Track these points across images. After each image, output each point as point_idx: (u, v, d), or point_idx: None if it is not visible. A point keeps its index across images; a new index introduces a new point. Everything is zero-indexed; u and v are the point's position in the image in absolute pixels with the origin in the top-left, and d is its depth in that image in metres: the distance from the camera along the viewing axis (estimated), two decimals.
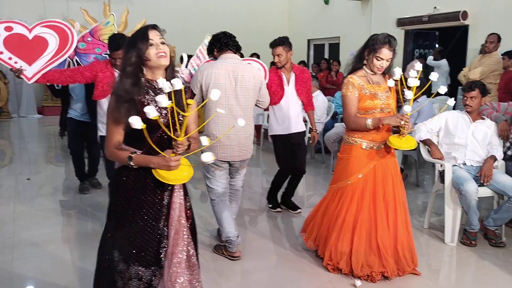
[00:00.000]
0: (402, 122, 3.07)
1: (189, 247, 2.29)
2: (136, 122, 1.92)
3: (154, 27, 2.22)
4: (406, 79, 3.00)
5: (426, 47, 10.70)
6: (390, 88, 3.28)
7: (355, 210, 3.29)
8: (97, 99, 4.22)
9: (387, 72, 3.32)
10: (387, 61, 3.20)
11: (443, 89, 3.05)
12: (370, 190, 3.29)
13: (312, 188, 5.99)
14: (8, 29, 3.95)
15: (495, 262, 3.67)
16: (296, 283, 3.33)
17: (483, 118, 4.11)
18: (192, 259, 2.31)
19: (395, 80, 3.15)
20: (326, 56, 12.37)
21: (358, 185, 3.29)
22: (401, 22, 9.86)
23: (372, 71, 3.26)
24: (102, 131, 4.29)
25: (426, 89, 3.26)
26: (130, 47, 2.19)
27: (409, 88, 2.98)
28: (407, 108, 3.03)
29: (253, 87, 3.55)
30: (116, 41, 3.97)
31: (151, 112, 1.90)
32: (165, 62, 2.19)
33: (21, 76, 3.97)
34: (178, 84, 1.95)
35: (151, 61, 2.17)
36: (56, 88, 5.38)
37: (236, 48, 3.62)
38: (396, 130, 3.23)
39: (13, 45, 3.95)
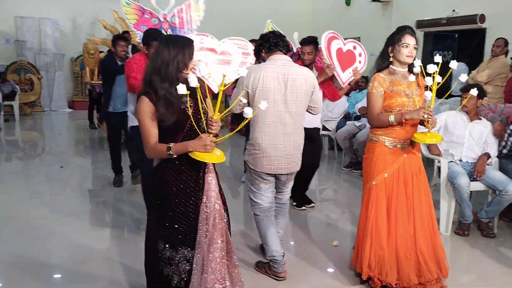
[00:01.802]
0: (426, 116, 2.92)
1: (226, 233, 2.55)
2: (182, 89, 2.22)
3: (193, 40, 2.49)
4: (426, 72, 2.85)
5: (445, 49, 10.83)
6: (418, 84, 3.16)
7: (384, 212, 3.14)
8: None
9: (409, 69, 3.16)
10: (414, 47, 3.07)
11: (463, 77, 2.92)
12: (395, 191, 3.14)
13: (324, 183, 6.32)
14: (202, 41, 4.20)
15: (485, 251, 3.96)
16: None
17: (480, 118, 4.39)
18: (229, 245, 2.57)
19: (415, 74, 3.06)
20: None
21: (384, 186, 3.14)
22: (420, 24, 10.04)
23: (402, 62, 3.10)
24: (133, 121, 4.21)
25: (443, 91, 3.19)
26: (176, 52, 2.40)
27: (428, 74, 2.84)
28: (428, 94, 2.88)
29: (304, 92, 3.20)
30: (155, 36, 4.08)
31: (193, 80, 2.23)
32: (192, 75, 2.38)
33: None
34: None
35: (186, 71, 2.44)
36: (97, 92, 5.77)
37: (287, 49, 3.33)
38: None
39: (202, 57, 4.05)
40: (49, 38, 12.13)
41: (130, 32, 8.86)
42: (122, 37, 5.44)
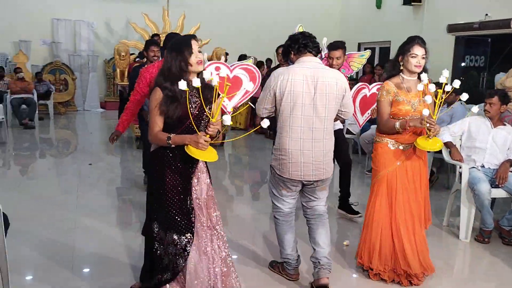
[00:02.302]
0: (428, 125, 3.09)
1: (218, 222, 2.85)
2: (182, 85, 2.44)
3: (195, 37, 2.69)
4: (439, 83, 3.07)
5: (477, 53, 10.63)
6: (425, 94, 3.26)
7: (383, 205, 3.37)
8: None
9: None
10: (422, 58, 3.23)
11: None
12: (397, 187, 3.35)
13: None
14: (217, 69, 4.55)
15: (506, 260, 3.89)
16: None
17: (505, 124, 4.32)
18: (221, 233, 2.85)
19: (424, 84, 3.17)
20: (376, 60, 12.52)
21: (385, 181, 3.37)
22: (451, 28, 9.88)
23: (411, 71, 3.28)
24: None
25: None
26: (175, 54, 2.65)
27: (439, 86, 3.07)
28: (425, 112, 3.08)
29: (335, 96, 3.05)
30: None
31: (195, 81, 2.44)
32: (201, 68, 2.67)
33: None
34: (213, 81, 2.49)
35: (192, 67, 2.65)
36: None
37: (317, 50, 3.18)
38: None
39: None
40: (83, 40, 12.53)
41: (160, 35, 9.09)
42: (155, 42, 5.49)
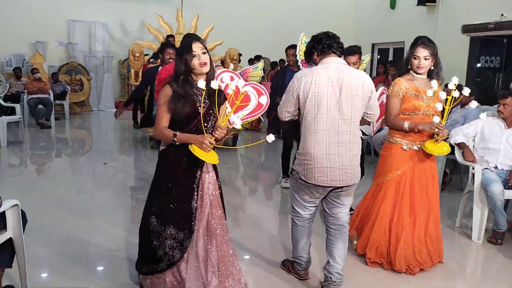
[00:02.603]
0: (436, 130, 3.27)
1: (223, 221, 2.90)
2: (201, 84, 2.53)
3: (197, 39, 2.74)
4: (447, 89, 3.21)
5: (492, 54, 10.54)
6: (434, 92, 3.35)
7: (390, 204, 3.51)
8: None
9: (435, 77, 3.46)
10: (425, 59, 3.35)
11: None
12: (406, 188, 3.48)
13: (360, 188, 6.27)
14: (231, 78, 4.33)
15: None
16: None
17: None
18: (223, 233, 2.89)
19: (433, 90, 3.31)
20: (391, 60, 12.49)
21: (395, 182, 3.49)
22: (466, 29, 9.82)
23: (415, 72, 3.43)
24: None
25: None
26: (179, 58, 2.73)
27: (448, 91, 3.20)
28: (436, 119, 3.24)
29: (361, 97, 2.94)
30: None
31: (214, 83, 2.52)
32: (206, 69, 2.72)
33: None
34: (214, 85, 2.51)
35: (195, 69, 2.71)
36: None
37: (341, 51, 3.07)
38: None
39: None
40: (98, 41, 12.69)
41: (174, 36, 9.17)
42: (171, 45, 5.53)
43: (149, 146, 8.13)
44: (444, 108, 3.24)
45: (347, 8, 14.43)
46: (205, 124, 2.72)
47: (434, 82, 3.34)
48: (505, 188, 4.06)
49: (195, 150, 2.60)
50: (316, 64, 3.07)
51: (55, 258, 3.63)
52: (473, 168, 4.30)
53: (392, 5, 12.58)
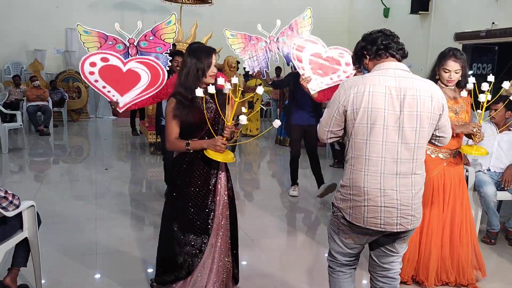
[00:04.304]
0: (475, 130, 3.14)
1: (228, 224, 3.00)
2: (199, 92, 2.60)
3: (216, 51, 2.85)
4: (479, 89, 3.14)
5: (484, 61, 10.73)
6: (463, 99, 3.32)
7: None
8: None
9: (463, 86, 3.32)
10: (455, 72, 3.23)
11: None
12: (433, 198, 3.35)
13: None
14: (104, 60, 4.13)
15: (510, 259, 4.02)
16: None
17: (510, 129, 4.46)
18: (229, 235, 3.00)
19: (468, 90, 3.28)
20: None
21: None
22: (458, 36, 10.01)
23: (444, 84, 3.30)
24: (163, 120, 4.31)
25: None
26: (196, 60, 2.78)
27: (481, 92, 3.15)
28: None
29: (429, 115, 2.25)
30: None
31: (211, 88, 2.63)
32: (212, 81, 2.82)
33: (115, 106, 4.12)
34: (211, 90, 2.64)
35: (206, 78, 2.81)
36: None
37: (402, 54, 2.37)
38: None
39: (107, 75, 4.08)
40: None
41: (175, 44, 9.26)
42: (180, 52, 5.56)
43: (149, 151, 8.23)
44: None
45: (341, 17, 14.63)
46: (215, 128, 2.82)
47: (464, 93, 3.25)
48: (498, 190, 4.23)
49: (210, 154, 2.68)
50: (369, 71, 2.40)
51: (58, 262, 3.72)
52: (466, 171, 4.45)
53: (386, 14, 12.81)
